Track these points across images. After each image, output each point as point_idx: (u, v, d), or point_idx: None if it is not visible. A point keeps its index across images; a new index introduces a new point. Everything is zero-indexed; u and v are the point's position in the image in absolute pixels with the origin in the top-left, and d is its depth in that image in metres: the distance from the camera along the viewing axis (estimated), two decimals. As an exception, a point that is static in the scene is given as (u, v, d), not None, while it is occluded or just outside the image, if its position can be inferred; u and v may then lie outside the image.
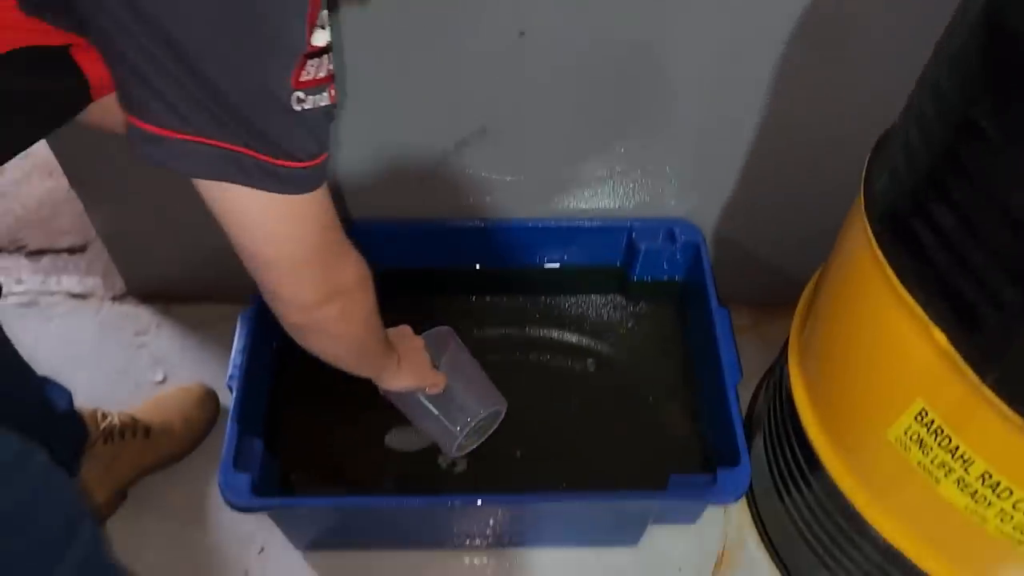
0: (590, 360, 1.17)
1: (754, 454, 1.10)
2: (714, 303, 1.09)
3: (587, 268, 1.23)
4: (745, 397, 1.20)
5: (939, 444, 0.72)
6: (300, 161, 0.55)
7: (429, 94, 1.01)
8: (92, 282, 1.35)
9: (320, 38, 0.51)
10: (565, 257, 1.21)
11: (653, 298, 1.22)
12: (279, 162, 0.54)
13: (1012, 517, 0.70)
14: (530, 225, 1.17)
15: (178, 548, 1.10)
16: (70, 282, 1.35)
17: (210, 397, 1.18)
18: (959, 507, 0.73)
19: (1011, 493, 0.69)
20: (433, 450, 1.06)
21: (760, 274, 1.27)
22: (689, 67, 0.96)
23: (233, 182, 0.54)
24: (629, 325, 1.21)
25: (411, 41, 0.94)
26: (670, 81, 0.98)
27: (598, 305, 1.22)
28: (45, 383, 0.99)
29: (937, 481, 0.74)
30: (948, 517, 0.75)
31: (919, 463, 0.75)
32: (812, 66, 0.96)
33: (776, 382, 1.02)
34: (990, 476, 0.69)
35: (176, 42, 0.47)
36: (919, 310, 0.69)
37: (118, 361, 1.26)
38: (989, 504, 0.71)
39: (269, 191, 0.55)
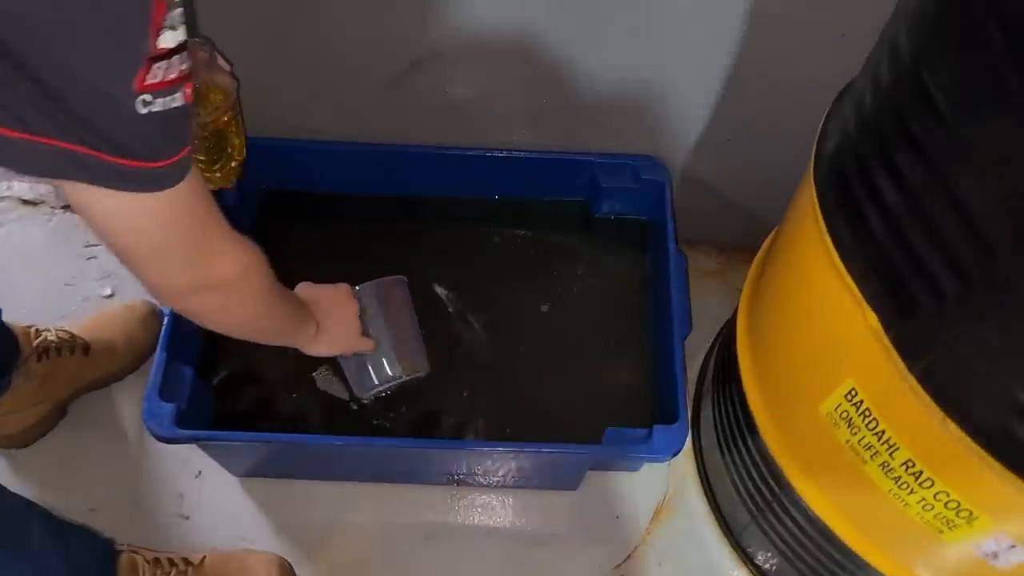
0: (544, 304, 1.13)
1: (704, 405, 1.07)
2: (672, 249, 1.04)
3: (546, 202, 1.17)
4: (704, 344, 1.16)
5: (867, 426, 0.68)
6: (152, 161, 0.52)
7: (384, 10, 0.94)
8: (44, 189, 1.30)
9: (168, 39, 0.48)
10: (523, 190, 1.16)
11: (614, 239, 1.17)
12: (126, 162, 0.50)
13: (933, 507, 0.67)
14: (487, 155, 1.11)
15: (115, 467, 1.10)
16: (21, 188, 1.31)
17: (154, 316, 1.15)
18: (883, 490, 0.70)
19: (932, 483, 0.65)
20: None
21: (730, 217, 1.21)
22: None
23: (77, 181, 0.51)
24: (587, 266, 1.16)
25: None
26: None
27: (555, 243, 1.17)
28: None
29: (864, 462, 0.71)
30: (873, 499, 0.72)
31: (847, 442, 0.71)
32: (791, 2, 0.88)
33: (726, 338, 0.98)
34: (913, 464, 0.66)
35: (6, 42, 0.43)
36: (854, 286, 0.64)
37: (66, 272, 1.24)
38: (911, 491, 0.68)
39: (119, 190, 0.52)
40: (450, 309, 1.12)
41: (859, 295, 0.64)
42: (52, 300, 1.20)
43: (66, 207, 1.29)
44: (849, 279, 0.64)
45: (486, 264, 1.16)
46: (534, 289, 1.14)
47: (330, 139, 1.12)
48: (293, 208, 1.18)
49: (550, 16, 0.94)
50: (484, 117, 1.09)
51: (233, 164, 1.02)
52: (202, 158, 0.98)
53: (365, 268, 1.01)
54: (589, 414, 1.03)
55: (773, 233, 0.93)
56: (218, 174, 1.02)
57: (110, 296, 1.22)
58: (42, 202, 1.30)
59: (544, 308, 1.13)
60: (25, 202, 1.30)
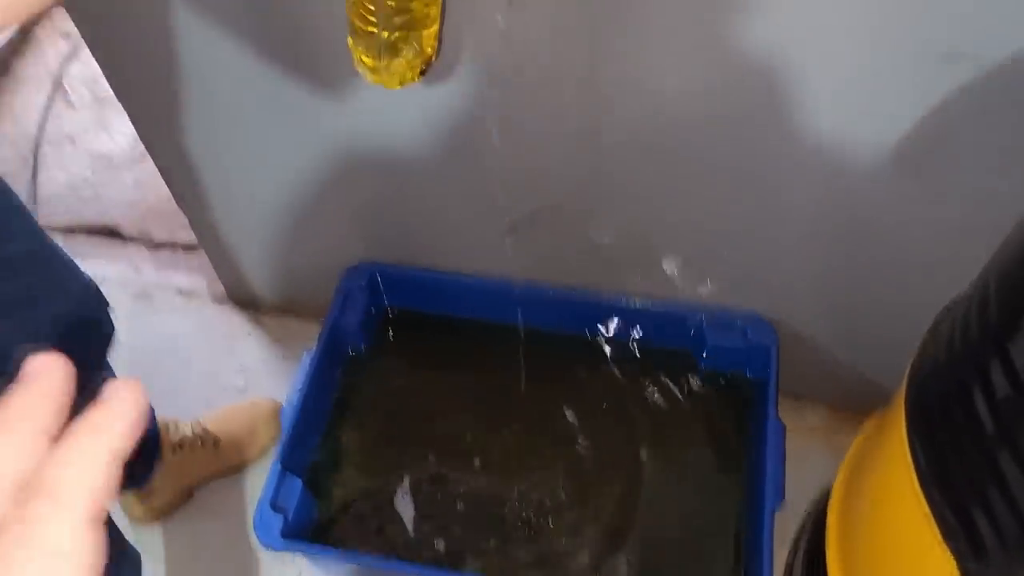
0: (641, 448, 1.16)
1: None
2: (772, 415, 1.05)
3: (652, 349, 1.20)
4: (800, 508, 1.15)
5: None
6: None
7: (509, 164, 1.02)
8: (199, 281, 1.45)
9: None
10: (630, 335, 1.19)
11: (716, 394, 1.18)
12: None
13: None
14: (601, 300, 1.16)
15: (229, 552, 1.19)
16: (180, 278, 1.46)
17: (276, 416, 1.25)
18: None
19: None
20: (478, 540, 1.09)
21: (838, 377, 1.20)
22: (791, 167, 0.91)
23: None
24: (687, 416, 1.18)
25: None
26: (767, 174, 0.94)
27: (658, 390, 1.20)
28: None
29: None
30: None
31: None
32: (913, 197, 0.90)
33: (816, 523, 0.97)
34: None
35: None
36: (932, 519, 0.64)
37: (207, 363, 1.36)
38: None
39: None
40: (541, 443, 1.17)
41: (936, 527, 0.64)
42: (192, 386, 1.33)
43: (215, 300, 1.43)
44: (927, 507, 0.64)
45: (586, 401, 1.19)
46: (631, 433, 1.17)
47: (452, 268, 1.20)
48: (414, 327, 1.26)
49: (662, 172, 0.99)
50: (599, 262, 1.14)
51: (418, 61, 0.71)
52: (384, 34, 0.67)
53: (478, 391, 1.06)
54: (673, 569, 1.04)
55: (872, 420, 0.93)
56: (393, 67, 0.71)
57: (243, 389, 1.33)
58: (196, 294, 1.44)
59: (642, 455, 1.15)
60: (181, 292, 1.45)
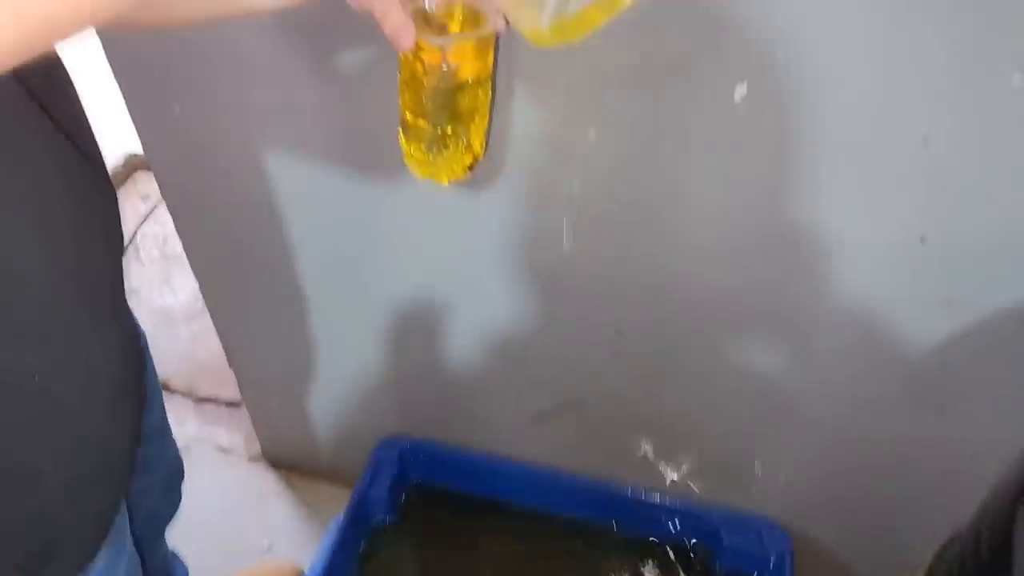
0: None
1: None
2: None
3: (667, 545, 1.22)
4: None
5: None
6: None
7: (534, 360, 1.09)
8: (237, 439, 1.51)
9: None
10: (644, 528, 1.22)
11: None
12: None
13: None
14: (616, 491, 1.20)
15: None
16: (220, 434, 1.52)
17: (297, 578, 1.28)
18: None
19: None
20: None
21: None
22: (811, 379, 0.97)
23: None
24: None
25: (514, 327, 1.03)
26: (790, 385, 1.00)
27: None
28: (172, 557, 1.12)
29: None
30: None
31: None
32: (926, 423, 0.95)
33: None
34: None
35: None
36: None
37: (235, 519, 1.40)
38: None
39: None
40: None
41: None
42: (220, 542, 1.36)
43: (251, 459, 1.48)
44: None
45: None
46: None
47: (483, 447, 1.26)
48: (441, 503, 1.30)
49: (677, 381, 1.05)
50: (616, 455, 1.18)
51: (467, 157, 0.72)
52: (423, 125, 0.68)
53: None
54: None
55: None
56: (440, 160, 0.71)
57: (267, 549, 1.37)
58: (233, 451, 1.50)
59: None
60: (220, 449, 1.51)
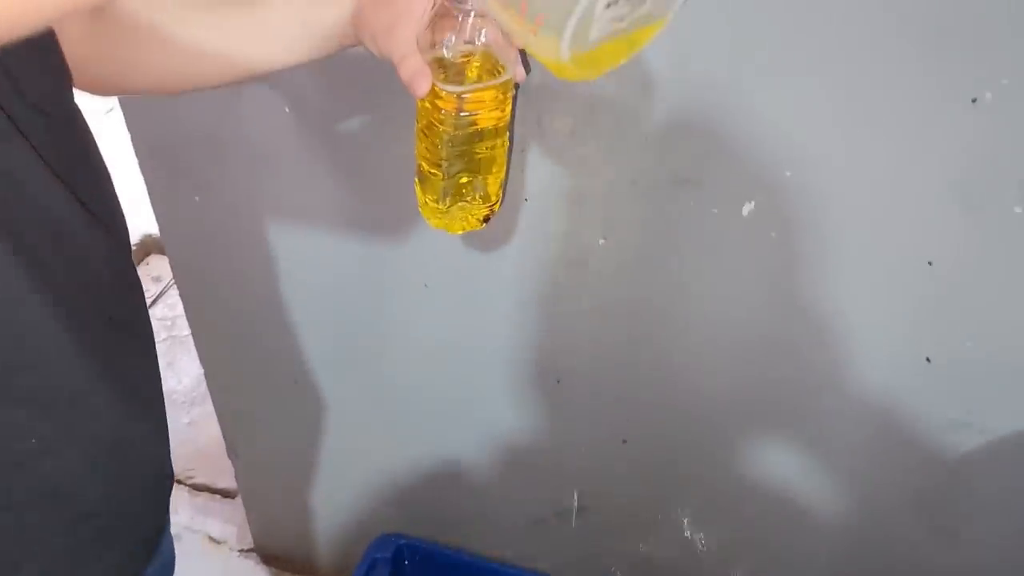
0: None
1: None
2: None
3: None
4: None
5: None
6: None
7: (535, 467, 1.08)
8: (229, 530, 1.48)
9: None
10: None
11: None
12: None
13: None
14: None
15: None
16: (213, 525, 1.49)
17: None
18: None
19: None
20: None
21: None
22: (822, 490, 0.96)
23: None
24: None
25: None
26: (801, 491, 0.98)
27: None
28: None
29: None
30: None
31: None
32: (939, 547, 0.93)
33: None
34: None
35: None
36: None
37: (222, 614, 1.36)
38: None
39: None
40: None
41: None
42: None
43: (242, 551, 1.45)
44: None
45: None
46: None
47: (476, 549, 1.23)
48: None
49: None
50: (617, 561, 1.16)
51: (483, 208, 0.71)
52: (438, 174, 0.67)
53: None
54: None
55: None
56: (455, 211, 0.70)
57: (251, 647, 1.32)
58: (224, 542, 1.47)
59: None
60: (211, 539, 1.47)
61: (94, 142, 0.62)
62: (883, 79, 0.66)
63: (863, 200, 0.72)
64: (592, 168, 0.79)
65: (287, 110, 0.86)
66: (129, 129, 0.94)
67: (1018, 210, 0.69)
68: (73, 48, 0.64)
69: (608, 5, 0.47)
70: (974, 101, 0.65)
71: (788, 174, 0.73)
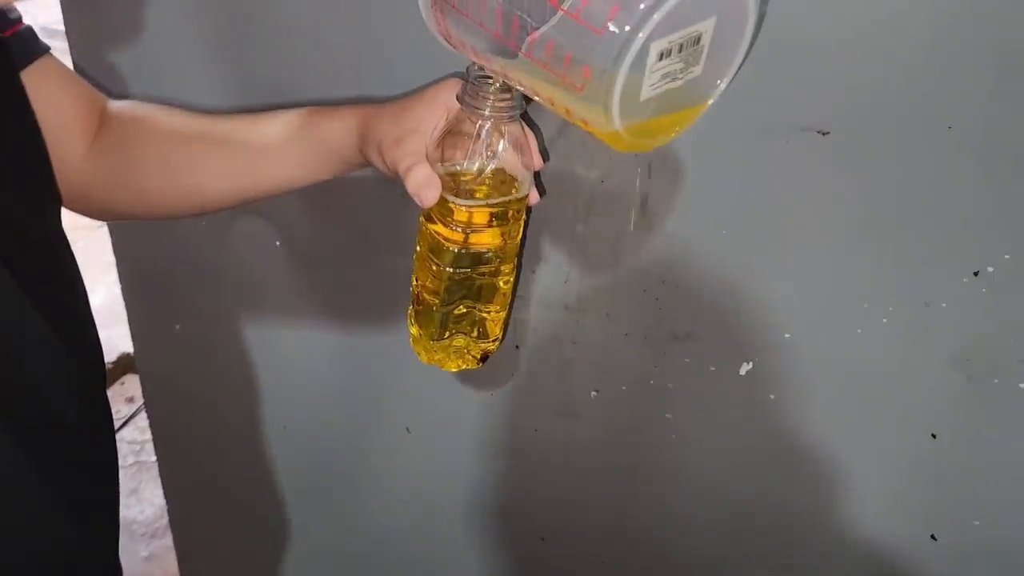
0: None
1: None
2: None
3: None
4: None
5: None
6: None
7: None
8: None
9: None
10: None
11: None
12: None
13: None
14: None
15: None
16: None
17: None
18: None
19: None
20: None
21: None
22: None
23: None
24: None
25: None
26: None
27: None
28: None
29: None
30: None
31: None
32: None
33: None
34: None
35: None
36: None
37: None
38: None
39: None
40: None
41: None
42: None
43: None
44: None
45: None
46: None
47: None
48: None
49: None
50: None
51: (481, 345, 0.67)
52: (437, 303, 0.63)
53: None
54: None
55: None
56: (452, 347, 0.67)
57: None
58: None
59: None
60: None
61: (77, 270, 0.61)
62: (886, 249, 0.66)
63: (865, 368, 0.70)
64: (587, 318, 0.78)
65: (277, 243, 0.85)
66: (115, 252, 0.93)
67: (1023, 386, 0.67)
68: (75, 175, 0.63)
69: (661, 56, 0.45)
70: (976, 274, 0.64)
71: (787, 336, 0.71)
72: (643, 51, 0.43)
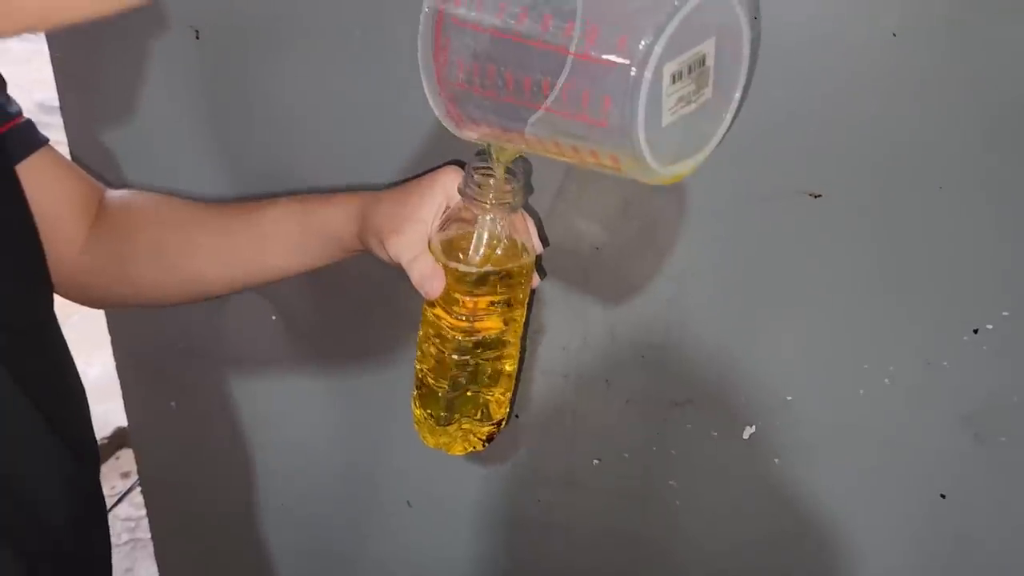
0: None
1: None
2: None
3: None
4: None
5: None
6: None
7: None
8: None
9: None
10: None
11: None
12: None
13: None
14: None
15: None
16: None
17: None
18: None
19: None
20: None
21: None
22: None
23: None
24: None
25: None
26: None
27: None
28: None
29: None
30: None
31: None
32: None
33: None
34: None
35: None
36: None
37: None
38: None
39: None
40: None
41: None
42: None
43: None
44: None
45: None
46: None
47: None
48: None
49: None
50: None
51: (486, 427, 0.67)
52: (442, 386, 0.64)
53: None
54: None
55: None
56: (457, 430, 0.66)
57: None
58: None
59: None
60: None
61: (69, 357, 0.60)
62: (884, 309, 0.66)
63: (869, 428, 0.70)
64: (586, 385, 0.77)
65: (273, 318, 0.85)
66: (110, 329, 0.92)
67: (1031, 443, 0.66)
68: (72, 265, 0.63)
69: (674, 78, 0.45)
70: (975, 332, 0.64)
71: (789, 398, 0.71)
72: (658, 71, 0.43)
